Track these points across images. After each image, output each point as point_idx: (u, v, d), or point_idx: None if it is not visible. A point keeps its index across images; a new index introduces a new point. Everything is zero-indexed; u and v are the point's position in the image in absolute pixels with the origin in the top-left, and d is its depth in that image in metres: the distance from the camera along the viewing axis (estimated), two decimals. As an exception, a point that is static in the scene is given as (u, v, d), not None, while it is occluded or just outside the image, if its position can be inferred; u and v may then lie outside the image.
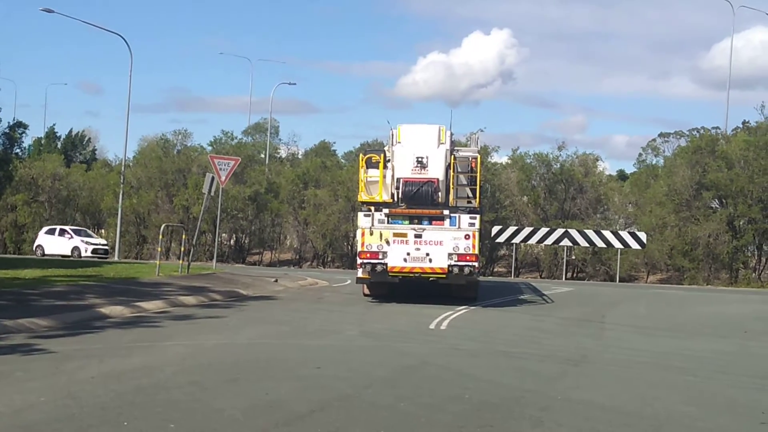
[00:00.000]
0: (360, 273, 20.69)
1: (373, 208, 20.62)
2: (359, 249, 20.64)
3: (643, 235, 37.19)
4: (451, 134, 21.34)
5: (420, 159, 20.47)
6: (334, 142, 75.76)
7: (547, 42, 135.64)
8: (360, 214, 20.78)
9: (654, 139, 56.84)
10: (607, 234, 37.52)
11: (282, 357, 11.82)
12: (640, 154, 58.15)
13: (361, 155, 21.87)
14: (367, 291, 21.83)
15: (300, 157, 64.95)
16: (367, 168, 20.93)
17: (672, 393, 10.16)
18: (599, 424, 8.32)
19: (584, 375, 11.34)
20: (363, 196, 21.06)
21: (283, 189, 47.07)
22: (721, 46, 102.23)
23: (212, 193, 27.08)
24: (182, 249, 27.27)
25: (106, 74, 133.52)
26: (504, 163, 46.96)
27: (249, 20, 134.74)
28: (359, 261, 20.58)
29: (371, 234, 20.23)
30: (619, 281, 37.67)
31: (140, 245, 47.16)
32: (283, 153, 66.49)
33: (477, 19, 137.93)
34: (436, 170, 20.53)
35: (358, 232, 20.79)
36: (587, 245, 38.42)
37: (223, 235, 46.09)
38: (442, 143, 20.73)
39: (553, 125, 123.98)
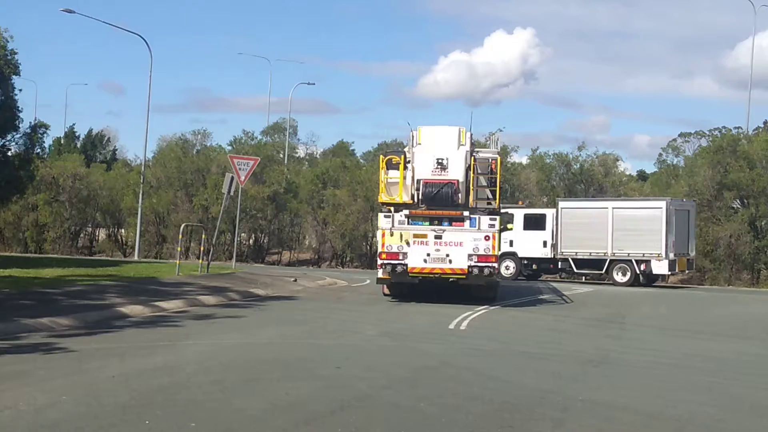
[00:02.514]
0: (380, 273, 20.76)
1: (393, 209, 20.71)
2: (379, 250, 20.70)
3: (663, 236, 36.88)
4: (471, 135, 21.40)
5: (440, 160, 20.53)
6: (353, 142, 75.92)
7: (569, 41, 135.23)
8: (380, 215, 20.84)
9: (674, 139, 56.71)
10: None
11: (302, 357, 11.82)
12: (660, 154, 58.00)
13: (381, 156, 22.02)
14: (386, 291, 21.84)
15: (318, 157, 64.99)
16: (388, 169, 21.01)
17: (694, 394, 10.09)
18: (621, 425, 8.27)
19: (605, 376, 11.29)
20: (383, 197, 21.14)
21: (302, 189, 47.09)
22: (744, 46, 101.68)
23: (232, 193, 27.14)
24: (202, 248, 27.39)
25: (128, 74, 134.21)
26: (523, 163, 46.82)
27: (269, 20, 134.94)
28: (380, 262, 20.65)
29: (391, 235, 20.29)
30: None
31: (160, 245, 47.29)
32: (301, 153, 66.59)
33: (498, 19, 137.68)
34: (456, 172, 20.60)
35: (379, 233, 20.88)
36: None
37: (243, 234, 46.12)
38: (462, 145, 20.80)
39: (574, 125, 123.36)
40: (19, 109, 27.95)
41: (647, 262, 29.89)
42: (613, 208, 30.86)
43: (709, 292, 31.48)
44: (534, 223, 31.48)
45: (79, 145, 72.02)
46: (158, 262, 35.63)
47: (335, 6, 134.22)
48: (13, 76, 27.52)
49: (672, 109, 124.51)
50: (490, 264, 20.15)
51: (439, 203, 20.43)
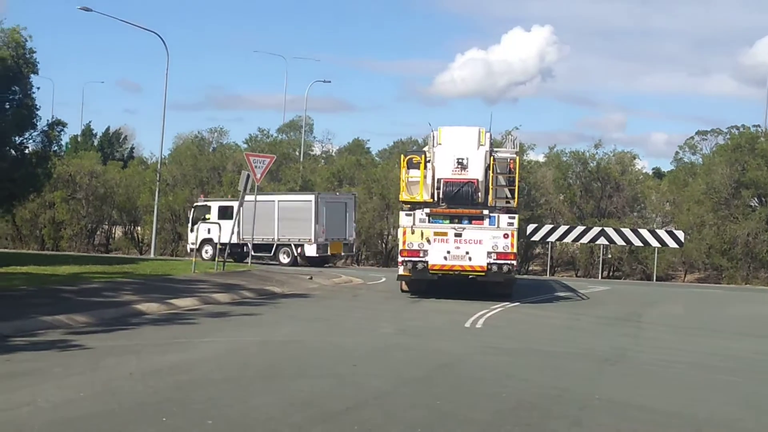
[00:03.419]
0: (401, 270, 21.09)
1: (410, 207, 21.05)
2: (400, 247, 21.03)
3: (680, 234, 36.79)
4: (490, 136, 21.77)
5: (460, 160, 20.91)
6: (368, 140, 75.82)
7: (587, 39, 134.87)
8: (401, 214, 21.15)
9: (692, 137, 56.41)
10: (644, 232, 37.14)
11: (318, 354, 11.82)
12: (677, 152, 57.73)
13: (402, 156, 22.34)
14: (405, 287, 22.06)
15: (334, 154, 64.99)
16: (408, 168, 21.45)
17: (712, 393, 10.04)
18: (639, 424, 8.23)
19: (622, 375, 11.24)
20: (404, 196, 21.57)
21: (318, 187, 47.08)
22: (763, 43, 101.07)
23: (248, 191, 27.17)
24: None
25: (145, 72, 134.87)
26: (540, 161, 46.67)
27: (285, 18, 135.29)
28: (400, 259, 20.99)
29: (412, 233, 20.64)
30: (656, 280, 37.29)
31: (176, 242, 47.34)
32: (317, 151, 66.60)
33: (516, 16, 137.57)
34: (475, 171, 20.97)
35: (399, 231, 21.18)
36: (624, 244, 38.04)
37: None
38: (482, 145, 21.16)
39: (591, 123, 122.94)
40: (37, 107, 28.02)
41: (302, 245, 34.17)
42: (278, 200, 35.13)
43: (727, 291, 31.34)
44: (225, 213, 34.74)
45: (95, 143, 72.32)
46: (174, 260, 35.71)
47: (351, 3, 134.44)
48: (31, 75, 27.62)
49: (690, 107, 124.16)
50: (509, 261, 20.50)
51: (459, 202, 20.81)
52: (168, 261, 33.13)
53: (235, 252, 34.24)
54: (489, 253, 20.42)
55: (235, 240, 33.09)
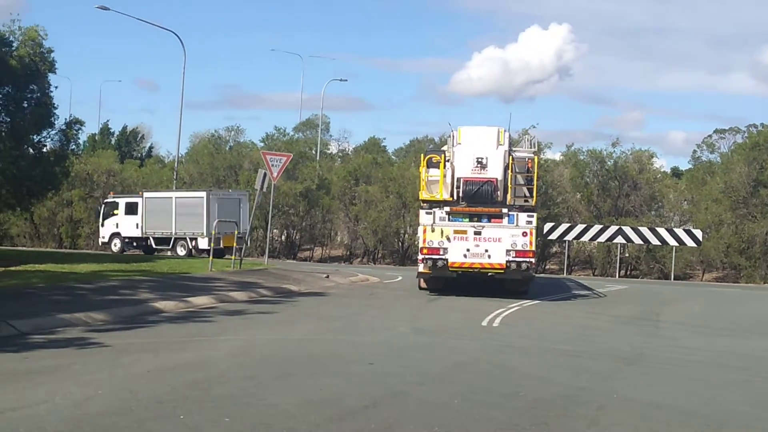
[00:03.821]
0: (421, 268, 21.39)
1: (429, 205, 21.32)
2: (420, 245, 21.35)
3: (698, 233, 36.65)
4: (509, 135, 22.09)
5: (480, 159, 21.17)
6: (384, 139, 75.71)
7: (604, 37, 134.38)
8: (422, 212, 21.44)
9: (709, 136, 56.16)
10: (662, 231, 37.02)
11: (334, 353, 11.83)
12: (695, 151, 57.52)
13: (422, 155, 22.59)
14: (423, 285, 22.46)
15: (350, 153, 65.01)
16: (428, 168, 21.66)
17: (730, 392, 9.99)
18: (656, 423, 8.19)
19: (639, 373, 11.20)
20: (424, 195, 21.80)
21: (335, 185, 47.16)
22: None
23: (264, 189, 27.21)
24: (234, 245, 27.52)
25: (162, 71, 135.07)
26: (557, 160, 46.54)
27: (301, 17, 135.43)
28: (421, 256, 21.30)
29: (432, 231, 21.00)
30: (674, 279, 37.15)
31: (193, 241, 47.52)
32: (333, 149, 66.62)
33: (532, 14, 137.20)
34: (495, 170, 21.22)
35: (420, 229, 21.49)
36: (641, 243, 37.92)
37: (275, 231, 46.25)
38: (501, 144, 21.44)
39: (609, 122, 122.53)
40: (55, 105, 28.13)
41: (196, 239, 35.84)
42: (175, 197, 37.23)
43: (745, 290, 31.18)
44: (131, 209, 37.49)
45: (113, 142, 72.59)
46: (191, 258, 35.81)
47: (368, 2, 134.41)
48: (49, 73, 27.74)
49: (708, 105, 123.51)
50: (527, 259, 20.85)
51: (479, 201, 21.11)
52: (185, 259, 33.20)
53: (141, 245, 37.46)
54: (508, 250, 20.76)
55: (139, 233, 36.92)
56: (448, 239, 20.89)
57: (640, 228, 37.53)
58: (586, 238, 38.35)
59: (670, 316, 19.52)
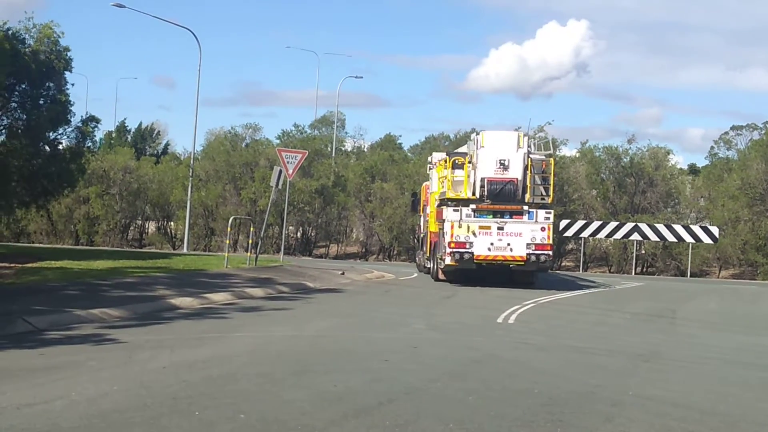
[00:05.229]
0: (448, 260, 23.18)
1: (455, 203, 23.26)
2: (448, 240, 23.03)
3: (715, 230, 36.51)
4: (528, 138, 24.13)
5: (502, 161, 23.22)
6: (400, 136, 75.63)
7: (623, 34, 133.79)
8: (449, 209, 23.24)
9: (726, 132, 55.92)
10: (678, 228, 36.91)
11: (350, 349, 11.84)
12: (712, 147, 57.29)
13: (447, 158, 24.72)
14: (442, 276, 24.60)
15: (366, 150, 64.99)
16: (453, 169, 23.91)
17: (746, 390, 9.94)
18: (672, 420, 8.15)
19: (655, 371, 11.15)
20: (450, 194, 23.65)
21: (350, 182, 47.18)
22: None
23: (279, 186, 27.25)
24: (250, 241, 27.63)
25: (178, 69, 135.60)
26: (573, 157, 46.39)
27: (317, 14, 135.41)
28: (448, 250, 23.05)
29: (459, 227, 22.94)
30: (691, 276, 37.03)
31: (208, 237, 47.63)
32: (349, 146, 66.62)
33: (549, 10, 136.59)
34: (515, 171, 23.23)
35: (447, 225, 23.21)
36: (657, 240, 37.81)
37: (290, 227, 46.28)
38: (521, 147, 23.43)
39: (626, 118, 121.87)
40: (71, 103, 28.24)
41: None
42: None
43: (762, 287, 31.03)
44: None
45: (129, 139, 72.76)
46: (207, 255, 35.94)
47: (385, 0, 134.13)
48: (65, 71, 27.86)
49: (727, 101, 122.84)
50: (546, 252, 22.96)
51: (502, 199, 23.09)
52: (201, 256, 33.31)
53: None
54: (528, 244, 22.80)
55: None
56: (474, 234, 22.84)
57: (656, 225, 37.43)
58: (602, 235, 38.28)
59: (687, 313, 19.47)
